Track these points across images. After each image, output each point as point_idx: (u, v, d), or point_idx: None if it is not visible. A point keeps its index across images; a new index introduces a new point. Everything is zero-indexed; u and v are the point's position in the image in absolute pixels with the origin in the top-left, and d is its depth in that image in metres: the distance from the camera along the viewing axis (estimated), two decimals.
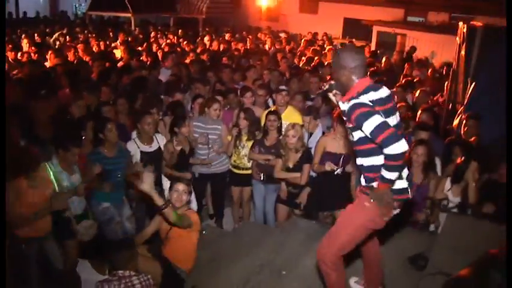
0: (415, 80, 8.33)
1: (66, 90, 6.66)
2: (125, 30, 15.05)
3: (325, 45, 13.43)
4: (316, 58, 10.20)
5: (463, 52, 6.48)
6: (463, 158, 4.54)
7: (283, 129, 5.30)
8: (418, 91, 7.03)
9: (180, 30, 15.34)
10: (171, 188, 4.10)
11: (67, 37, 12.24)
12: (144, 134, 5.08)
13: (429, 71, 9.68)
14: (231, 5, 20.16)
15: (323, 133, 5.54)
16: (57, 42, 11.60)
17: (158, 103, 5.91)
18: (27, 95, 5.91)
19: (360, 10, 17.91)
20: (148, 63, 8.97)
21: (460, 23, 6.82)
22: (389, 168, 2.69)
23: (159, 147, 5.18)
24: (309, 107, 5.81)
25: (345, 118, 2.95)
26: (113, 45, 11.69)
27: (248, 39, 14.29)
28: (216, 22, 18.61)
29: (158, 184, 4.84)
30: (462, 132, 5.47)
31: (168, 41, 12.99)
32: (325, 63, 9.31)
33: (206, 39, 13.39)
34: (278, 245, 4.47)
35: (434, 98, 7.61)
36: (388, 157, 2.65)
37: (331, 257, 2.97)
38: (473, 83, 6.03)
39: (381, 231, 3.09)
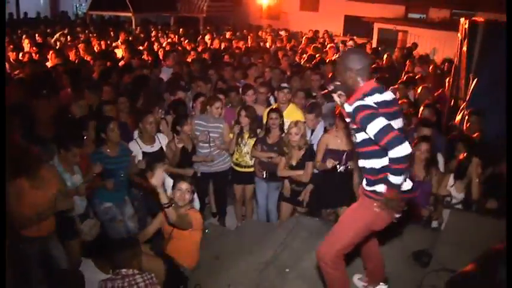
0: (416, 77, 8.32)
1: (68, 89, 6.66)
2: (125, 29, 15.06)
3: (326, 43, 13.41)
4: (317, 55, 10.20)
5: (464, 48, 6.47)
6: (465, 154, 4.53)
7: (285, 127, 5.30)
8: (420, 87, 7.02)
9: (181, 29, 15.33)
10: (174, 186, 4.10)
11: (68, 37, 12.25)
12: (145, 133, 5.07)
13: (430, 67, 9.66)
14: (231, 3, 20.16)
15: (325, 129, 5.54)
16: (58, 43, 11.61)
17: (160, 102, 5.91)
18: (29, 95, 5.91)
19: (360, 7, 17.86)
20: (149, 62, 8.96)
21: (462, 19, 6.79)
22: (395, 172, 2.71)
23: (161, 148, 5.18)
24: (311, 103, 5.79)
25: (349, 120, 2.97)
26: (114, 44, 11.69)
27: (249, 37, 14.28)
28: (216, 21, 18.60)
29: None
30: (465, 128, 5.45)
31: (169, 40, 12.99)
32: (327, 61, 9.30)
33: (207, 37, 13.39)
34: (281, 243, 4.46)
35: (435, 94, 7.59)
36: (392, 160, 2.67)
37: (331, 257, 2.97)
38: (476, 79, 6.02)
39: (384, 228, 3.08)
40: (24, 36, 11.47)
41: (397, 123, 2.83)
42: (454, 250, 3.77)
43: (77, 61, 8.90)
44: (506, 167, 4.26)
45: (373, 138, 2.71)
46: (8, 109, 4.93)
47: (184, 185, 4.08)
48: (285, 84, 6.18)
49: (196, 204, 4.99)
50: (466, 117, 5.51)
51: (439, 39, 13.88)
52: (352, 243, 3.01)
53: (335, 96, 3.18)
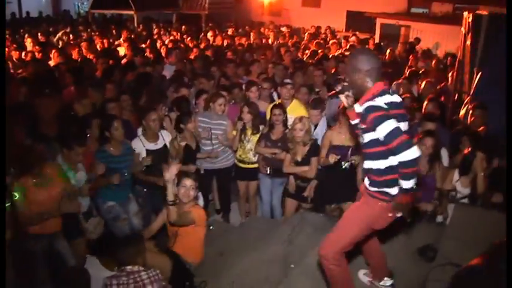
0: (420, 72, 8.28)
1: (71, 88, 6.67)
2: (128, 27, 15.05)
3: (328, 39, 13.38)
4: (319, 51, 10.17)
5: (468, 42, 6.43)
6: (470, 148, 4.51)
7: (288, 123, 5.29)
8: (424, 82, 6.99)
9: (183, 27, 15.32)
10: (178, 183, 4.10)
11: (70, 36, 12.26)
12: (149, 130, 5.07)
13: (433, 62, 9.62)
14: (233, 0, 20.11)
15: (328, 125, 5.53)
16: (61, 41, 11.62)
17: (163, 99, 5.91)
18: (32, 94, 5.92)
19: (362, 2, 17.75)
20: (152, 59, 8.96)
21: (465, 13, 6.75)
22: (405, 177, 2.73)
23: (165, 145, 5.18)
24: (314, 99, 5.78)
25: (357, 120, 3.01)
26: (116, 42, 11.69)
27: (252, 33, 14.26)
28: (218, 18, 18.57)
29: None
30: (469, 122, 5.42)
31: (172, 37, 12.99)
32: (329, 56, 9.28)
33: (209, 34, 13.36)
34: (286, 239, 4.47)
35: (438, 87, 7.55)
36: (401, 164, 2.69)
37: (334, 255, 2.98)
38: (480, 73, 5.98)
39: (389, 224, 3.08)
40: (26, 36, 11.46)
41: (404, 126, 2.85)
42: (460, 244, 3.76)
43: (79, 59, 8.90)
44: (506, 163, 4.24)
45: (382, 139, 2.73)
46: (12, 108, 4.94)
47: (188, 182, 4.08)
48: (288, 80, 6.17)
49: (201, 201, 5.00)
50: (471, 111, 5.48)
51: (441, 33, 13.80)
52: (354, 242, 3.03)
53: (342, 97, 3.17)
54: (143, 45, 10.96)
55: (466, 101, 6.18)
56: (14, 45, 9.87)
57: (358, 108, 2.93)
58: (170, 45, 10.50)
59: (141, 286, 3.28)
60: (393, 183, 2.85)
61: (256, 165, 5.51)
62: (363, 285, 3.57)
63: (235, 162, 5.69)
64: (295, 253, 4.18)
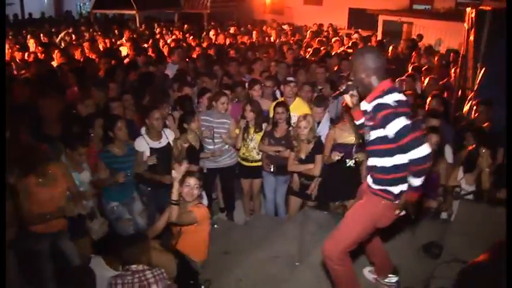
0: (423, 68, 8.26)
1: (74, 88, 6.68)
2: (130, 27, 15.06)
3: (330, 37, 13.35)
4: (322, 48, 10.15)
5: (471, 38, 6.41)
6: (474, 144, 4.49)
7: (291, 121, 5.28)
8: (428, 79, 6.96)
9: (185, 26, 15.32)
10: (182, 182, 4.10)
11: (73, 36, 12.27)
12: (152, 129, 5.06)
13: (436, 58, 9.59)
14: None
15: (331, 120, 5.52)
16: (63, 42, 11.64)
17: (165, 98, 5.90)
18: (35, 94, 5.93)
19: None
20: (154, 59, 8.96)
21: (468, 9, 6.72)
22: (416, 174, 2.72)
23: (169, 143, 5.18)
24: (318, 96, 5.77)
25: (362, 119, 3.01)
26: (118, 42, 11.70)
27: (254, 32, 14.25)
28: (220, 16, 18.56)
29: None
30: (473, 118, 5.40)
31: (174, 36, 12.99)
32: (332, 54, 9.26)
33: (211, 33, 13.36)
34: (290, 237, 4.46)
35: (441, 83, 7.53)
36: (411, 162, 2.68)
37: (338, 254, 2.97)
38: (483, 69, 5.96)
39: (394, 221, 3.07)
40: (29, 36, 11.52)
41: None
42: (465, 241, 3.75)
43: (82, 60, 8.91)
44: (507, 161, 4.22)
45: (392, 137, 2.71)
46: (15, 108, 4.96)
47: (192, 181, 4.08)
48: (291, 78, 6.16)
49: (205, 200, 5.00)
50: (474, 108, 5.46)
51: (444, 30, 13.75)
52: (358, 241, 3.01)
53: (347, 97, 3.16)
54: (145, 45, 10.98)
55: (469, 97, 6.16)
56: (17, 46, 9.92)
57: (365, 105, 2.92)
58: (172, 45, 10.50)
59: (146, 285, 3.28)
60: (397, 182, 2.85)
61: (259, 163, 5.50)
62: (368, 282, 3.56)
63: (239, 161, 5.68)
64: (300, 251, 4.17)
